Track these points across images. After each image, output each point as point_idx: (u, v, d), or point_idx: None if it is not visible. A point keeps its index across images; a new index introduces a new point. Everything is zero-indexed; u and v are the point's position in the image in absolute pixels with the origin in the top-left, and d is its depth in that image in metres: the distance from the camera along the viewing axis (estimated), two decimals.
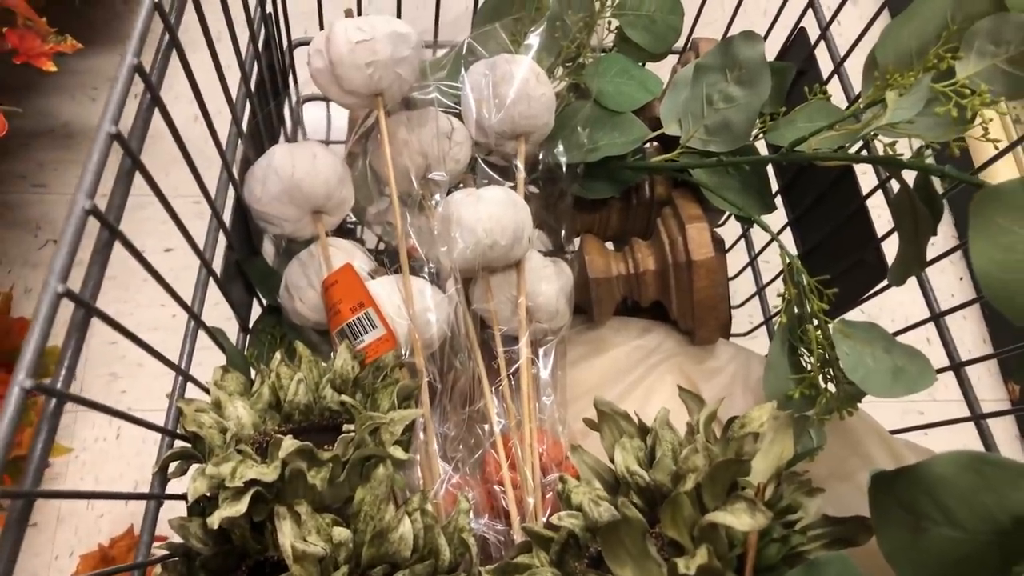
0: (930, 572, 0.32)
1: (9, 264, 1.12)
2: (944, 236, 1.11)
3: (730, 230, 0.73)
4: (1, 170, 1.19)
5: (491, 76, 0.52)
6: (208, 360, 0.46)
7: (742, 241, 0.73)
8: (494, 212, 0.47)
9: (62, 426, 0.95)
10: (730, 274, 0.70)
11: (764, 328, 0.70)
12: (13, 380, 0.25)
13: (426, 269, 0.49)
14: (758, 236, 0.73)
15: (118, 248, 0.33)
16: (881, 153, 0.46)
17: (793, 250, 0.64)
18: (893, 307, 0.74)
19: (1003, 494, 0.30)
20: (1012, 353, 0.45)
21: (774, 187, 0.64)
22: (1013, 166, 0.85)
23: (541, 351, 0.52)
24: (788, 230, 0.64)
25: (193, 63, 0.38)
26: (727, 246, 0.68)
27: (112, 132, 0.29)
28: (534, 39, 0.54)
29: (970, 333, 1.07)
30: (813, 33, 0.60)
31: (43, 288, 0.26)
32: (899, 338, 0.46)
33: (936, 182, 0.43)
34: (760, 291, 0.70)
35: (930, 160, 0.44)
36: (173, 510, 0.41)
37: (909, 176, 0.46)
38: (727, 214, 0.67)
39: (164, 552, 0.41)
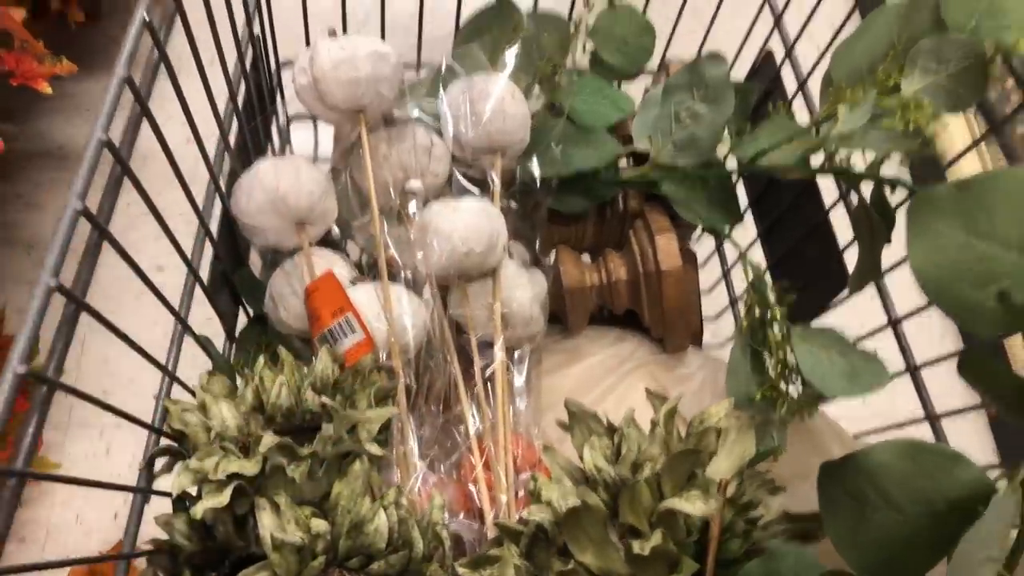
0: (873, 555, 0.34)
1: (2, 282, 1.14)
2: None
3: (706, 247, 0.75)
4: None
5: (468, 93, 0.54)
6: (195, 373, 0.48)
7: (717, 256, 0.75)
8: (470, 221, 0.50)
9: (52, 442, 0.95)
10: (705, 288, 0.72)
11: None
12: (7, 367, 0.27)
13: (403, 276, 0.51)
14: (732, 251, 0.76)
15: (112, 267, 0.35)
16: (842, 164, 0.49)
17: (764, 260, 0.67)
18: (864, 311, 0.76)
19: (937, 479, 0.32)
20: (960, 355, 0.47)
21: (744, 201, 0.67)
22: (976, 162, 0.88)
23: (516, 357, 0.54)
24: (760, 242, 0.66)
25: (183, 84, 0.41)
26: (702, 261, 0.71)
27: (103, 139, 0.32)
28: (511, 59, 0.57)
29: (953, 331, 1.07)
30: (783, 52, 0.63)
31: (36, 284, 0.28)
32: (869, 341, 0.49)
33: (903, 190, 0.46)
34: (733, 304, 0.72)
35: (904, 169, 0.46)
36: (159, 512, 0.43)
37: (869, 188, 0.48)
38: (699, 229, 0.69)
39: (150, 548, 0.43)
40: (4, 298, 1.11)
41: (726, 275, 0.73)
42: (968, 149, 0.48)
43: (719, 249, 0.73)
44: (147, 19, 0.36)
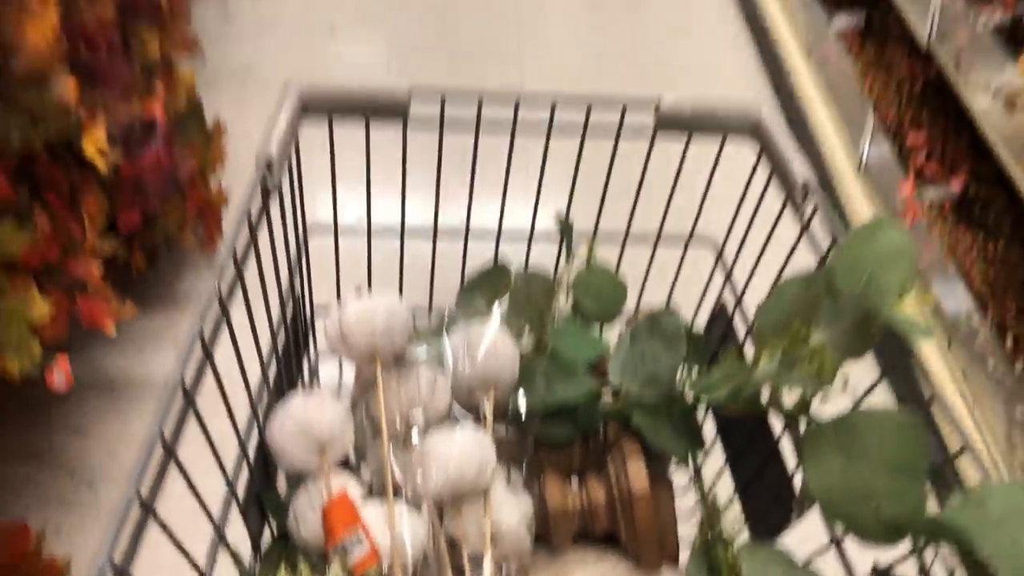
0: None
1: (46, 504, 1.22)
2: None
3: (686, 474, 0.83)
4: (49, 418, 1.33)
5: (467, 338, 0.66)
6: None
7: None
8: (464, 449, 0.59)
9: None
10: (684, 512, 0.79)
11: None
12: (96, 563, 0.36)
13: (405, 496, 0.59)
14: (709, 478, 0.83)
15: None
16: (779, 401, 0.59)
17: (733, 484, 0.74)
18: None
19: None
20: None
21: (714, 431, 0.76)
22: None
23: (504, 572, 0.61)
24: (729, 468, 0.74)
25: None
26: (683, 487, 0.78)
27: (180, 382, 0.42)
28: (503, 308, 0.69)
29: None
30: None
31: (121, 497, 0.38)
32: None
33: None
34: None
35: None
36: None
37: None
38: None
39: None
40: (44, 519, 1.19)
41: (704, 499, 0.80)
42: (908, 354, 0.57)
43: (697, 474, 0.81)
44: (221, 295, 0.48)
